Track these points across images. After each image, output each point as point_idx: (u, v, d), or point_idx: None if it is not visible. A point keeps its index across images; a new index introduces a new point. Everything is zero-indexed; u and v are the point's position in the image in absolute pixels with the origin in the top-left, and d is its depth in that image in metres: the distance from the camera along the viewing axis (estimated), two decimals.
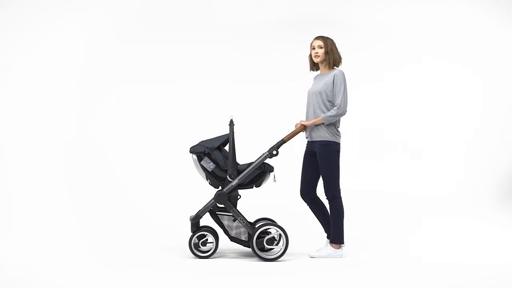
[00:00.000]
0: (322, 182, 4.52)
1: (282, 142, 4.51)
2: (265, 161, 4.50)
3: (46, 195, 5.96)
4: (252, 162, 4.51)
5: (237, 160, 4.55)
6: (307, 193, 4.63)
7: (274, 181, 4.59)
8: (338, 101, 4.41)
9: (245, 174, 4.47)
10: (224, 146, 4.62)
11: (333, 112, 4.41)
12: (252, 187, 4.63)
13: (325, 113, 4.45)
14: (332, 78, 4.45)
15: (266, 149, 4.51)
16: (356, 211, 5.78)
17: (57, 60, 6.44)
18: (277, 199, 5.77)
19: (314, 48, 4.53)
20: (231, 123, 4.52)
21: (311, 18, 6.76)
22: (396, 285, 3.77)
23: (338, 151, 4.50)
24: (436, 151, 6.76)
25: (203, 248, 4.47)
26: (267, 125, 6.37)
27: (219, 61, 6.76)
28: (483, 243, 4.99)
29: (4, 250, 4.64)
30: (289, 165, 5.52)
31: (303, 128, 4.53)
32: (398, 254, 4.63)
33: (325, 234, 4.64)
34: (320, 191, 4.57)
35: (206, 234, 4.48)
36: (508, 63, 6.84)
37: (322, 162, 4.47)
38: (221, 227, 4.54)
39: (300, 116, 4.80)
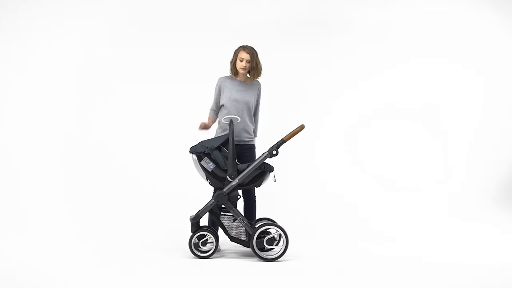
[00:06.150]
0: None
1: (282, 142, 4.51)
2: (265, 161, 4.50)
3: (46, 197, 5.95)
4: (252, 162, 4.52)
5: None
6: None
7: (274, 181, 4.59)
8: None
9: (245, 174, 4.47)
10: (224, 146, 4.62)
11: None
12: (252, 187, 4.63)
13: None
14: None
15: (266, 149, 4.51)
16: (356, 210, 5.79)
17: (56, 63, 6.43)
18: (277, 199, 5.77)
19: None
20: (231, 123, 4.52)
21: (311, 17, 6.76)
22: (396, 285, 3.77)
23: None
24: (435, 151, 6.74)
25: (203, 248, 4.48)
26: (267, 125, 6.36)
27: (219, 61, 6.75)
28: (483, 243, 4.99)
29: (8, 250, 4.65)
30: (289, 165, 5.53)
31: (302, 127, 4.53)
32: (398, 254, 4.62)
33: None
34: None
35: (206, 234, 4.48)
36: (509, 63, 6.83)
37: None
38: (221, 227, 4.53)
39: (300, 115, 4.79)
